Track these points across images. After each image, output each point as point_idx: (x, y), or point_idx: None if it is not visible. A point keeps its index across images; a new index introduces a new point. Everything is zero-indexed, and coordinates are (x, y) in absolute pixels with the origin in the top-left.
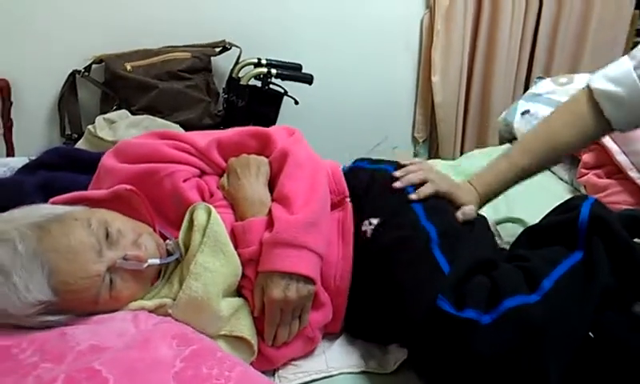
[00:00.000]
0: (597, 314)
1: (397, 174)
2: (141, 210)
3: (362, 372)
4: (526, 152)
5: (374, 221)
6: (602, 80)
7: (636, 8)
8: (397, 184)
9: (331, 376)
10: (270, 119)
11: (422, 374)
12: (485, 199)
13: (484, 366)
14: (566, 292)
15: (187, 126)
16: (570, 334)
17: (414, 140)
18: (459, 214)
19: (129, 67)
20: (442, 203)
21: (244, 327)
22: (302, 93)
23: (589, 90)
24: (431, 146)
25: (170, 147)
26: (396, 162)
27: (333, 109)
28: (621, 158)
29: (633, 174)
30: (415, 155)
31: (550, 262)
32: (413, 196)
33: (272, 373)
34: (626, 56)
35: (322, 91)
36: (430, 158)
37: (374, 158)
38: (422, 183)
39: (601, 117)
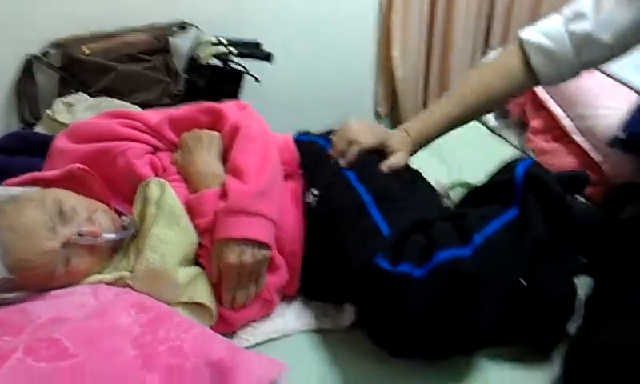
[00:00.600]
0: (531, 264)
1: (330, 151)
2: (94, 188)
3: (318, 330)
4: (459, 102)
5: (315, 191)
6: (534, 32)
7: None
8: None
9: (288, 336)
10: (232, 98)
11: (368, 331)
12: (418, 146)
13: (418, 317)
14: (498, 245)
15: (146, 107)
16: (500, 285)
17: (377, 114)
18: (383, 166)
19: (86, 50)
20: (372, 163)
21: (202, 293)
22: (262, 71)
23: (520, 42)
24: (394, 120)
25: (121, 125)
26: (328, 132)
27: (294, 86)
28: (566, 122)
29: (577, 137)
30: None
31: (484, 218)
32: (341, 162)
33: (231, 335)
34: (556, 13)
35: (282, 69)
36: None
37: (310, 131)
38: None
39: (528, 68)
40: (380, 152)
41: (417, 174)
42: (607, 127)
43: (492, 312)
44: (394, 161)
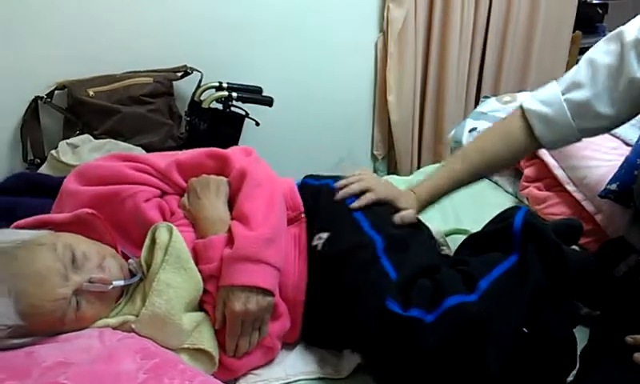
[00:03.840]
0: (531, 311)
1: (338, 184)
2: (102, 231)
3: (319, 378)
4: (464, 164)
5: (324, 235)
6: (534, 101)
7: (575, 30)
8: (338, 195)
9: (289, 382)
10: (232, 141)
11: (375, 375)
12: (425, 205)
13: (429, 360)
14: (502, 291)
15: (150, 149)
16: (506, 328)
17: (374, 157)
18: (397, 218)
19: (91, 93)
20: (384, 211)
21: (205, 340)
22: (262, 114)
23: (521, 110)
24: (390, 162)
25: (130, 169)
26: (339, 176)
27: (294, 130)
28: (559, 173)
29: (569, 187)
30: (375, 171)
31: (487, 265)
32: (354, 204)
33: (233, 382)
34: (554, 81)
35: (282, 113)
36: (388, 173)
37: (319, 174)
38: (364, 193)
39: (531, 135)
40: (391, 204)
41: (422, 225)
42: (599, 179)
43: (500, 356)
44: (405, 214)
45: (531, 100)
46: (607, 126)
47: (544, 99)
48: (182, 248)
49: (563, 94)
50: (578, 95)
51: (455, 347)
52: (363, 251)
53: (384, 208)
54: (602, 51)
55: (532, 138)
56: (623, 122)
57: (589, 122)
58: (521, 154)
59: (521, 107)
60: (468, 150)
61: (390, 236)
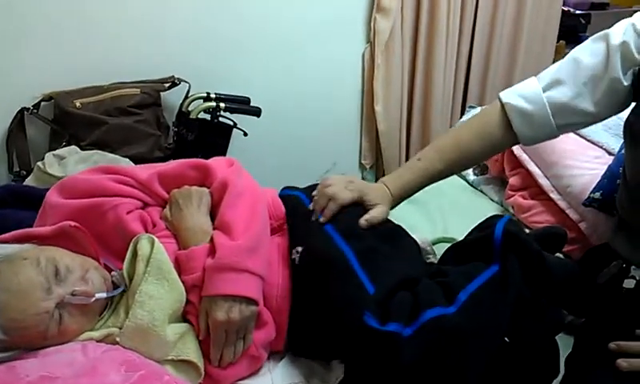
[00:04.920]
0: (513, 320)
1: (310, 207)
2: (85, 244)
3: None
4: (438, 159)
5: (299, 249)
6: (513, 95)
7: (558, 40)
8: (312, 215)
9: None
10: (220, 151)
11: None
12: (398, 200)
13: (409, 374)
14: (482, 302)
15: (138, 160)
16: (486, 340)
17: (362, 166)
18: (362, 221)
19: (78, 104)
20: (354, 220)
21: (190, 350)
22: (251, 125)
23: (500, 104)
24: (378, 171)
25: (112, 181)
26: (314, 185)
27: (282, 139)
28: (543, 181)
29: (554, 195)
30: (363, 179)
31: (467, 276)
32: (321, 219)
33: None
34: (533, 77)
35: (270, 123)
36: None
37: (296, 186)
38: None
39: (509, 130)
40: (360, 204)
41: (399, 229)
42: (583, 187)
43: (479, 367)
44: (372, 215)
45: (511, 94)
46: (585, 122)
47: (524, 95)
48: (163, 259)
49: (544, 91)
50: (559, 93)
51: (434, 360)
52: (337, 264)
53: (354, 214)
54: (587, 51)
55: (510, 133)
56: (601, 120)
57: (568, 119)
58: (497, 149)
59: (500, 101)
60: (445, 147)
61: (363, 247)
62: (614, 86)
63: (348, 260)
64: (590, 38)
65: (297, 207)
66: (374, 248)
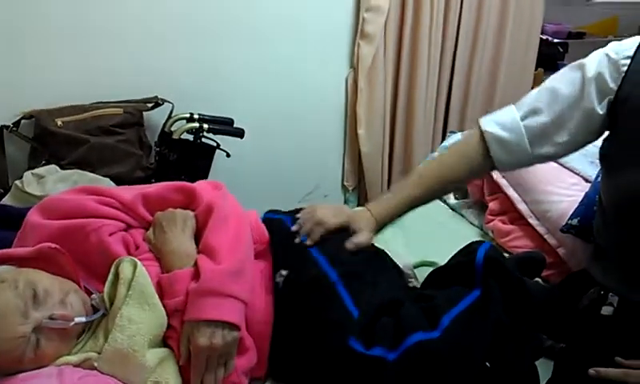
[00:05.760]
0: (494, 345)
1: (294, 228)
2: (65, 266)
3: None
4: (419, 184)
5: (284, 272)
6: (492, 124)
7: (537, 68)
8: (296, 238)
9: None
10: (203, 172)
11: None
12: (381, 224)
13: None
14: (464, 327)
15: (118, 180)
16: (468, 364)
17: (344, 188)
18: (349, 244)
19: (59, 122)
20: (339, 244)
21: (170, 376)
22: (233, 146)
23: (479, 131)
24: (360, 193)
25: (95, 202)
26: (299, 209)
27: (265, 161)
28: (521, 207)
29: (532, 221)
30: (345, 202)
31: (450, 301)
32: (307, 242)
33: None
34: (512, 105)
35: (253, 144)
36: (359, 204)
37: (278, 210)
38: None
39: (487, 156)
40: (346, 229)
41: (382, 254)
42: (561, 213)
43: None
44: (359, 239)
45: (490, 122)
46: (561, 153)
47: (503, 123)
48: (145, 283)
49: (522, 120)
50: (536, 122)
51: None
52: (322, 288)
53: (339, 239)
54: (564, 80)
55: (488, 159)
56: (577, 149)
57: (545, 149)
58: (475, 174)
59: (479, 129)
60: (426, 173)
61: (347, 271)
62: (589, 115)
63: (333, 283)
64: (567, 67)
65: (281, 230)
66: (358, 272)
